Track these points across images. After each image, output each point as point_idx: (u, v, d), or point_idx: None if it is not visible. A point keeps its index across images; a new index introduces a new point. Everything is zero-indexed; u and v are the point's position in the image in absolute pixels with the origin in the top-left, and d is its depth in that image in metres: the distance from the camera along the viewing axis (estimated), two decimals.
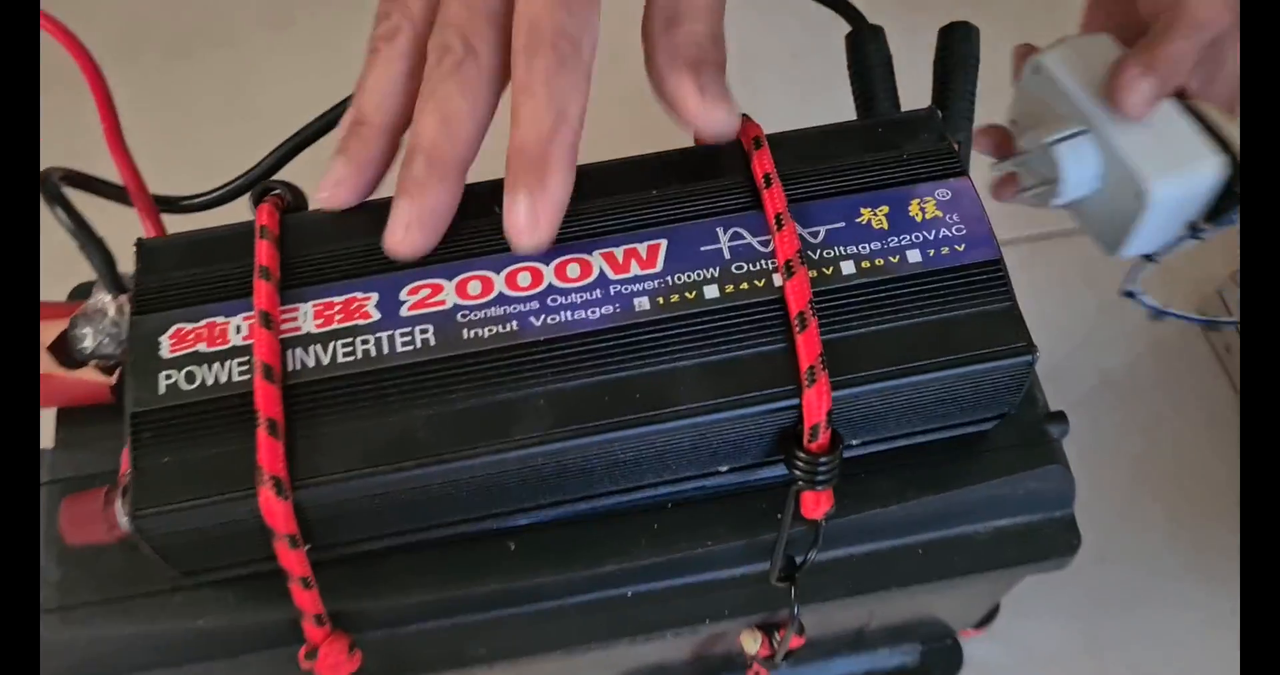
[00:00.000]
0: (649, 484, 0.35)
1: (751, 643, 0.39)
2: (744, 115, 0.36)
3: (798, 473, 0.32)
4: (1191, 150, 0.39)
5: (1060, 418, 0.38)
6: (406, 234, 0.32)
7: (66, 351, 0.39)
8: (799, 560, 0.36)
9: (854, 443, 0.35)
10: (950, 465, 0.37)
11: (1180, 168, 0.38)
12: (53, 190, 0.36)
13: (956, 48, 0.43)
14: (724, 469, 0.34)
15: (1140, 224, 0.40)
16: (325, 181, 0.34)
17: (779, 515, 0.35)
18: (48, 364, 0.39)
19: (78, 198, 0.37)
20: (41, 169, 0.37)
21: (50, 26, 0.37)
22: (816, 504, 0.33)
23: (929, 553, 0.38)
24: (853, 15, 0.44)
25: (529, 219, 0.32)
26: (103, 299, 0.36)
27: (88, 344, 0.36)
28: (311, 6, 0.80)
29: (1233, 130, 0.39)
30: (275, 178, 0.39)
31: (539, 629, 0.37)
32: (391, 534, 0.34)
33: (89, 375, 0.39)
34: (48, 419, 0.40)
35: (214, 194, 0.40)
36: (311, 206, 0.36)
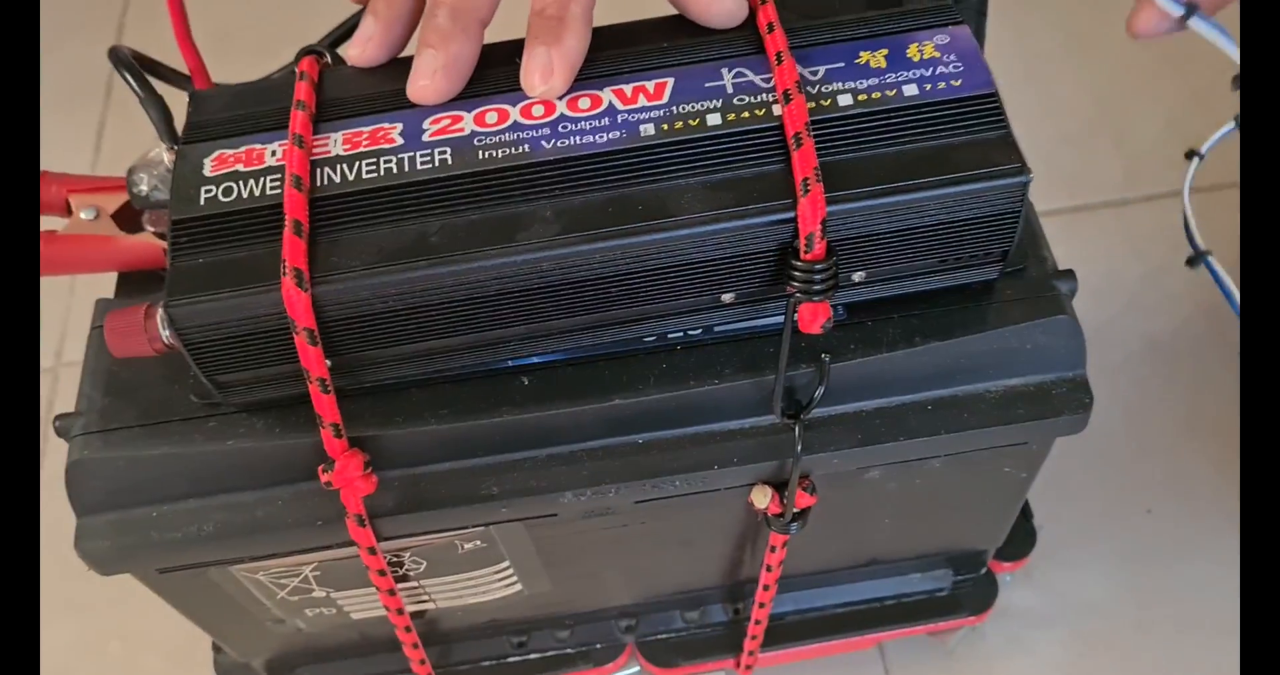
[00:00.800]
0: (656, 316, 0.36)
1: (762, 497, 0.39)
2: None
3: (795, 283, 0.33)
4: None
5: (1069, 275, 0.39)
6: (433, 79, 0.35)
7: (127, 216, 0.42)
8: (807, 401, 0.37)
9: (856, 279, 0.36)
10: (957, 313, 0.38)
11: None
12: (123, 59, 0.40)
13: None
14: (729, 299, 0.36)
15: None
16: (356, 38, 0.37)
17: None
18: (110, 229, 0.43)
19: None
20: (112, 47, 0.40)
21: None
22: (814, 316, 0.34)
23: (938, 408, 0.38)
24: None
25: (544, 69, 0.34)
26: (159, 151, 0.39)
27: (143, 188, 0.39)
28: None
29: None
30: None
31: (551, 471, 0.38)
32: (410, 360, 0.36)
33: (147, 239, 0.42)
34: (110, 281, 0.43)
35: (271, 77, 0.43)
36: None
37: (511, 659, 0.53)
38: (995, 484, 0.44)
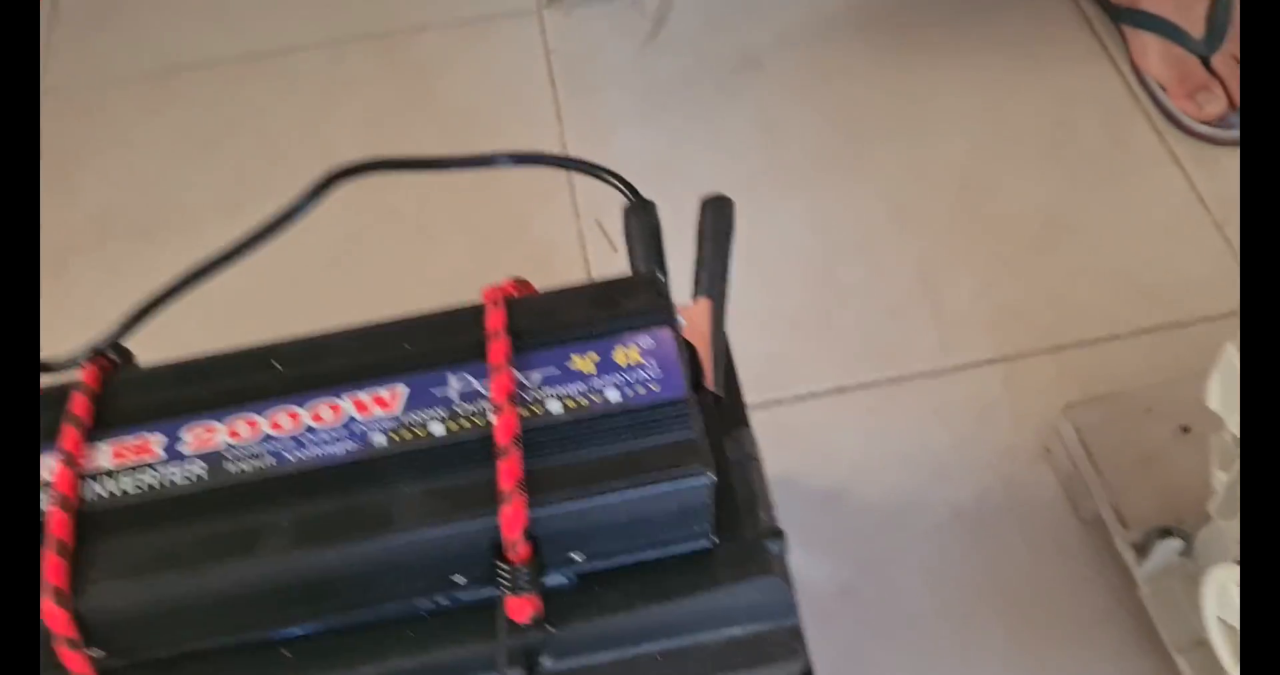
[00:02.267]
0: (401, 595, 0.40)
1: None
2: (517, 280, 0.44)
3: (502, 580, 0.38)
4: None
5: (778, 534, 0.44)
6: None
7: None
8: (539, 666, 0.41)
9: (577, 558, 0.40)
10: (675, 579, 0.42)
11: None
12: None
13: (711, 218, 0.50)
14: (462, 581, 0.40)
15: None
16: None
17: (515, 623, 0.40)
18: None
19: None
20: None
21: None
22: (521, 608, 0.38)
23: (667, 659, 0.43)
24: (631, 191, 0.52)
25: None
26: None
27: None
28: (258, 196, 0.91)
29: None
30: (120, 341, 0.47)
31: None
32: (180, 641, 0.40)
33: None
34: None
35: (76, 357, 0.47)
36: None
37: None
38: None
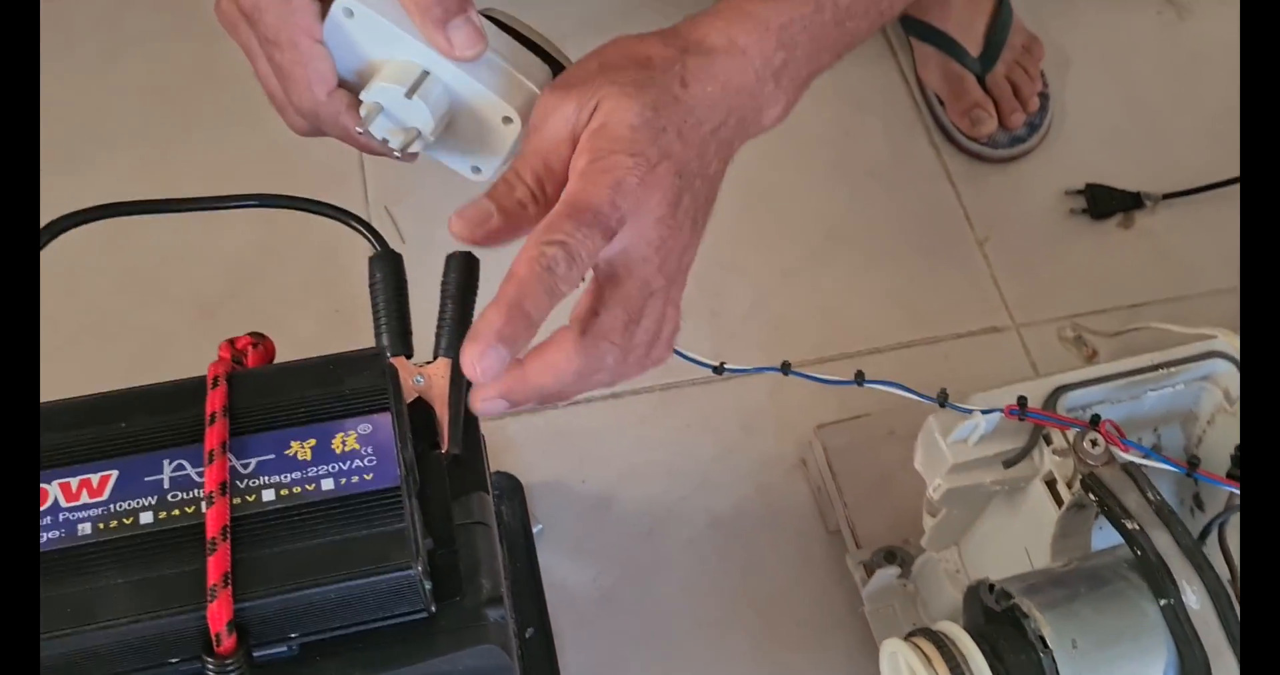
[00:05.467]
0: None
1: None
2: (253, 336, 0.44)
3: (209, 671, 0.39)
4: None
5: (497, 602, 0.46)
6: None
7: None
8: None
9: (294, 635, 0.42)
10: (394, 648, 0.44)
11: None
12: None
13: (455, 276, 0.50)
14: (175, 660, 0.41)
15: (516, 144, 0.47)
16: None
17: None
18: None
19: None
20: None
21: None
22: None
23: None
24: (378, 239, 0.52)
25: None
26: None
27: None
28: None
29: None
30: None
31: None
32: None
33: None
34: None
35: None
36: None
37: None
38: None
